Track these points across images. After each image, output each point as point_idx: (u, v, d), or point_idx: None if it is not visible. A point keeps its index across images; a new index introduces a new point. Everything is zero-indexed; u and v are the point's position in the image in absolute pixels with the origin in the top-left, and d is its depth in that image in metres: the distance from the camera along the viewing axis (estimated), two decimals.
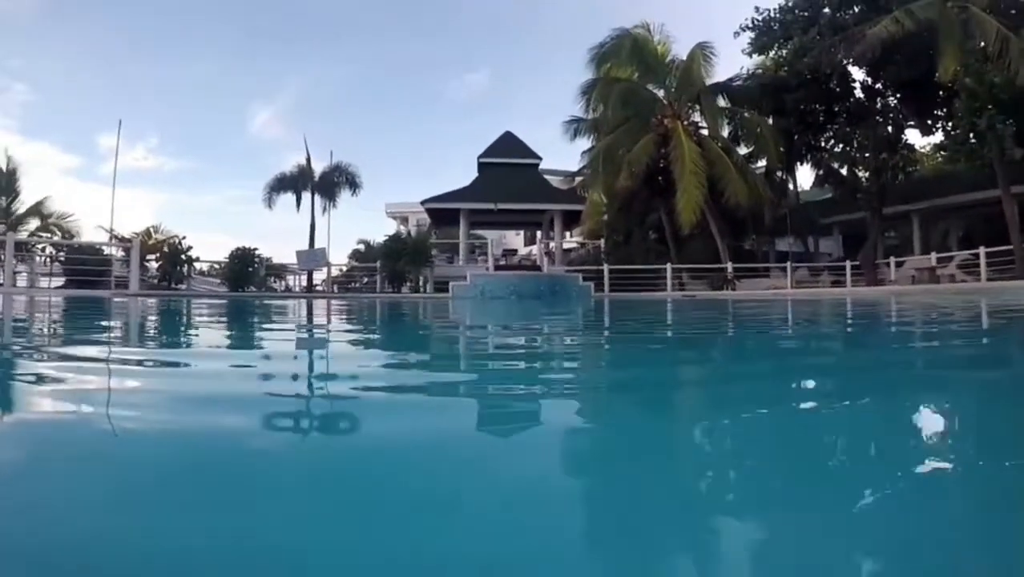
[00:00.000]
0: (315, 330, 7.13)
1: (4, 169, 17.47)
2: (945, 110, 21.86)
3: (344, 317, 10.12)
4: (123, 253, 17.77)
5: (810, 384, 2.92)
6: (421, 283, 20.57)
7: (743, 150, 22.67)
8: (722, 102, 21.88)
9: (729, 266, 21.07)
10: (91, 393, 2.38)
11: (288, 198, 20.93)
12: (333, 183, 20.97)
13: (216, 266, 20.63)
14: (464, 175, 27.83)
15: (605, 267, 20.21)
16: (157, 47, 56.63)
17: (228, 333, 7.04)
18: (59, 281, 17.72)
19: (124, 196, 46.98)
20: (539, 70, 73.37)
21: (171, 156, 71.44)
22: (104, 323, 7.76)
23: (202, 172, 67.73)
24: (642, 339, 6.00)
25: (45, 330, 6.68)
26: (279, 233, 71.82)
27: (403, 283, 20.33)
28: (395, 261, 19.96)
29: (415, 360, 4.25)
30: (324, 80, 63.42)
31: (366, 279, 22.11)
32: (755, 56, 23.90)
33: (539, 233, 29.02)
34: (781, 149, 22.24)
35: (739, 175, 20.21)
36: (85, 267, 16.52)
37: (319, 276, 20.86)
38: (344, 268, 22.70)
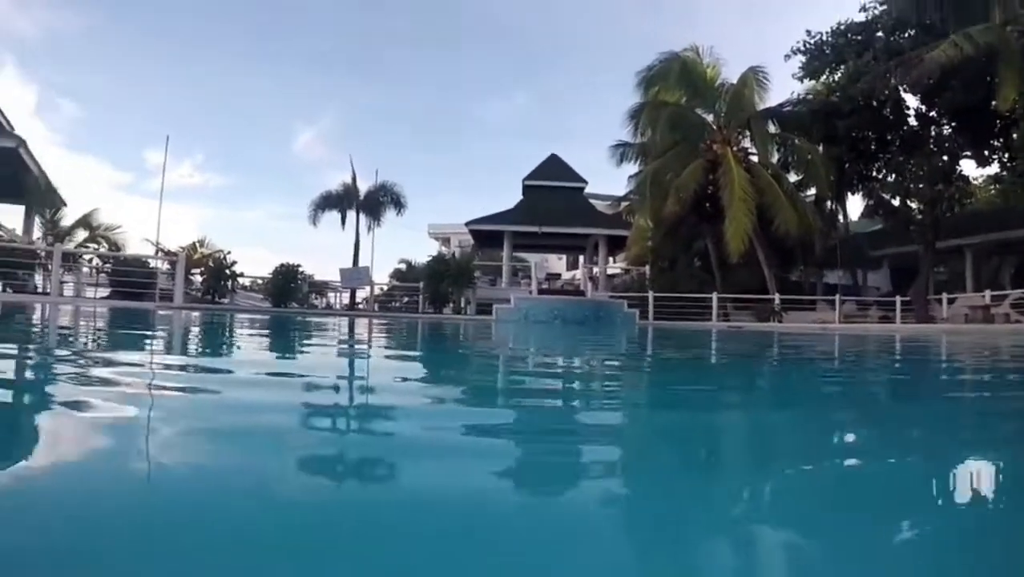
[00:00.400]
0: (372, 352, 6.90)
1: (43, 184, 17.61)
2: (1002, 140, 21.17)
3: (395, 337, 9.85)
4: (168, 266, 17.80)
5: (903, 439, 2.52)
6: (463, 305, 20.26)
7: (793, 178, 22.07)
8: (772, 128, 21.38)
9: (776, 297, 20.40)
10: (140, 398, 2.50)
11: (332, 216, 20.99)
12: (378, 202, 20.94)
13: (259, 281, 20.60)
14: (508, 197, 27.77)
15: (650, 294, 19.67)
16: (204, 66, 58.17)
17: (277, 348, 6.92)
18: (104, 292, 17.79)
19: (170, 211, 47.86)
20: (586, 93, 73.78)
21: (216, 172, 72.98)
22: (152, 334, 7.67)
23: (246, 189, 70.17)
24: (707, 377, 5.55)
25: (91, 340, 6.66)
26: (320, 250, 72.98)
27: (445, 304, 20.06)
28: (438, 282, 19.74)
29: (476, 388, 4.02)
30: (367, 101, 64.84)
31: (406, 299, 21.91)
32: (806, 81, 23.48)
33: (582, 258, 28.69)
34: (832, 178, 21.63)
35: (789, 203, 19.65)
36: (131, 279, 16.56)
37: (361, 294, 20.70)
38: (385, 287, 22.48)
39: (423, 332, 11.63)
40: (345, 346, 7.53)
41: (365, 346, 7.58)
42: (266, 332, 9.35)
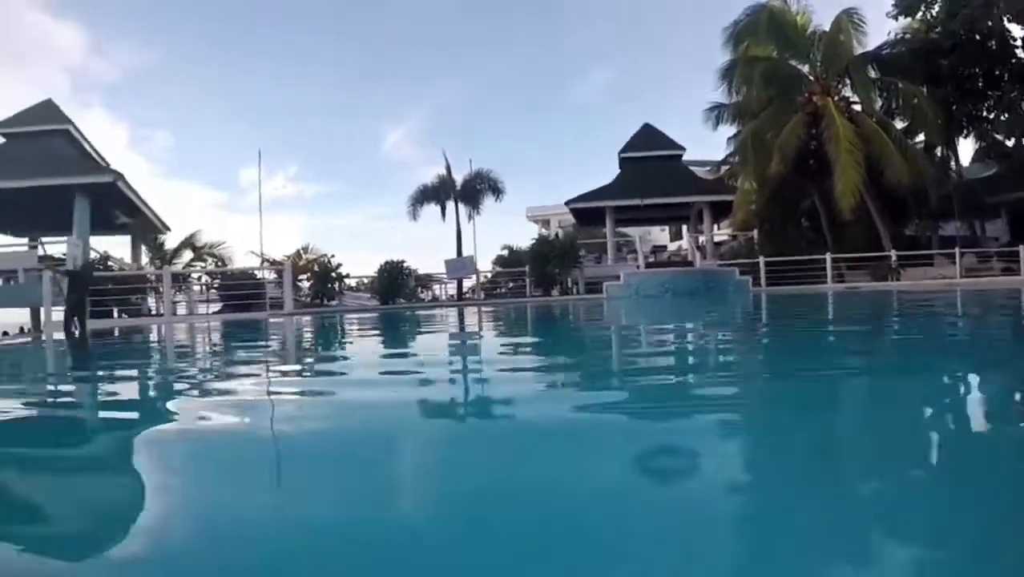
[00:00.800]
0: (500, 340, 6.82)
1: (144, 213, 18.09)
2: None
3: (515, 324, 9.45)
4: (275, 275, 17.95)
5: None
6: (570, 285, 19.70)
7: (899, 124, 20.57)
8: (872, 73, 20.01)
9: (892, 254, 18.99)
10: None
11: (431, 209, 20.81)
12: (475, 190, 20.68)
13: (364, 281, 20.64)
14: (605, 173, 26.95)
15: (761, 260, 18.60)
16: (287, 81, 60.63)
17: (408, 344, 6.75)
18: (216, 306, 18.08)
19: (269, 222, 49.60)
20: (671, 58, 70.93)
21: (311, 182, 75.65)
22: (277, 340, 7.71)
23: (341, 194, 72.62)
24: (854, 349, 4.92)
25: (236, 352, 6.85)
26: (420, 245, 74.41)
27: (552, 286, 19.59)
28: (544, 264, 19.28)
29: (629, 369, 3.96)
30: (452, 93, 64.38)
31: (511, 284, 21.54)
32: (901, 18, 22.01)
33: (685, 227, 27.64)
34: (939, 121, 20.06)
35: (898, 152, 18.24)
36: (240, 291, 16.74)
37: (466, 284, 20.46)
38: (488, 274, 22.19)
39: (541, 315, 11.17)
40: (474, 338, 7.31)
41: (493, 335, 7.57)
42: (387, 329, 9.14)
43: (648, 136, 25.05)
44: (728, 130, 22.78)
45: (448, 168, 21.09)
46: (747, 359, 4.25)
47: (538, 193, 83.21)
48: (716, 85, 21.22)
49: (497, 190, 21.20)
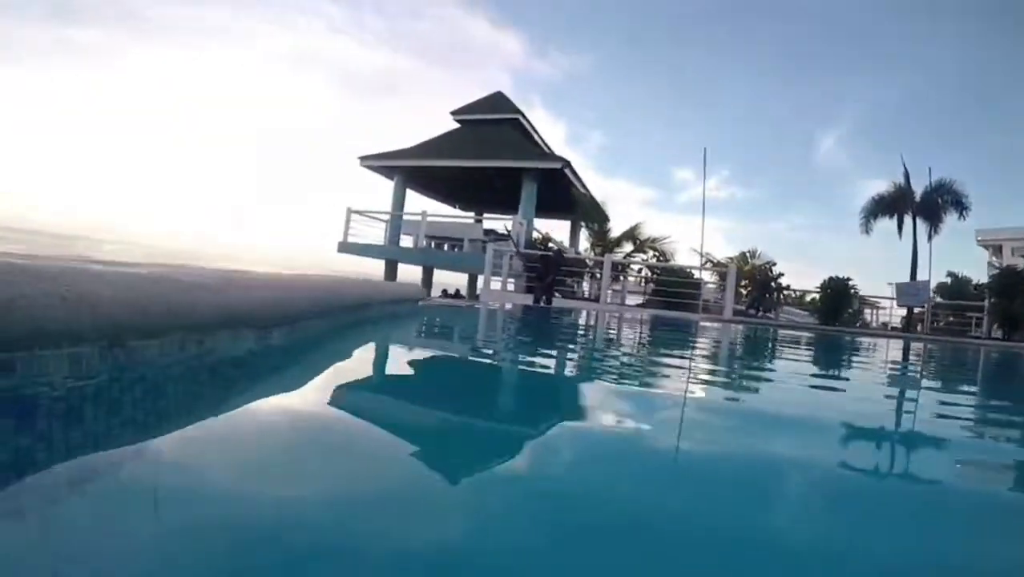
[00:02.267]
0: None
1: (588, 200, 18.46)
2: None
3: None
4: (718, 277, 17.17)
5: None
6: None
7: None
8: None
9: None
10: None
11: (884, 224, 18.03)
12: (936, 205, 17.37)
13: (793, 294, 18.95)
14: None
15: None
16: (717, 82, 62.31)
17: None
18: (637, 299, 17.88)
19: (695, 223, 51.21)
20: None
21: (741, 186, 76.96)
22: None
23: (766, 200, 73.54)
24: None
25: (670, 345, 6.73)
26: (844, 263, 70.41)
27: (1016, 328, 15.71)
28: (1010, 300, 15.57)
29: None
30: (885, 96, 58.11)
31: (951, 318, 18.03)
32: None
33: None
34: None
35: None
36: (675, 289, 16.12)
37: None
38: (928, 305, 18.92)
39: None
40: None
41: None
42: (844, 357, 7.06)
43: None
44: None
45: (906, 175, 17.96)
46: None
47: (987, 214, 69.79)
48: None
49: (961, 205, 17.54)
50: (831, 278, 16.37)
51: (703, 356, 5.54)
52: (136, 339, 1.71)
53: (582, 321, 10.13)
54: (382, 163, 21.08)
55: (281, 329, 2.69)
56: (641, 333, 8.53)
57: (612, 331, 8.26)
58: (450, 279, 23.00)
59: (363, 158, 21.13)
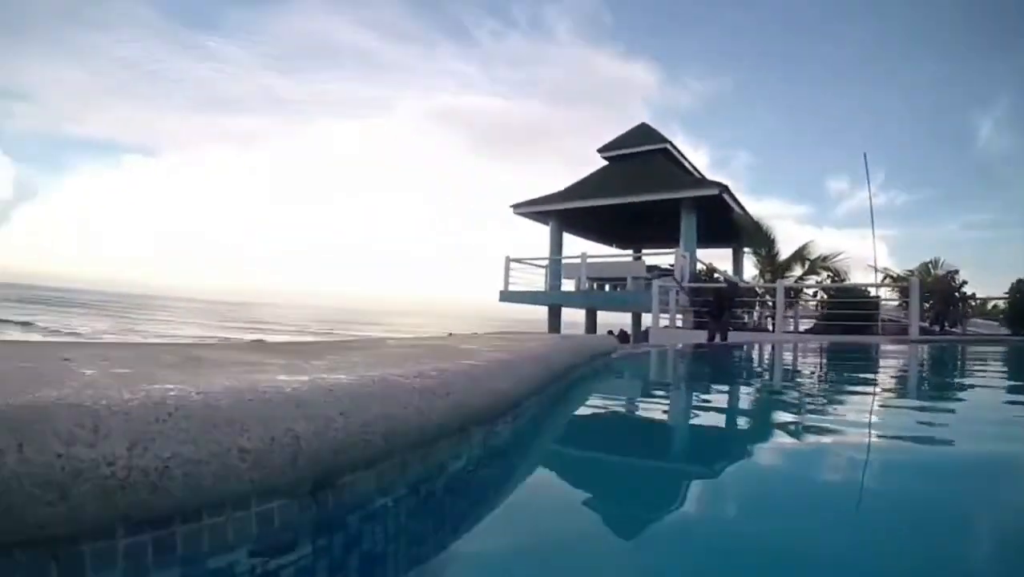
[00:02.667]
0: None
1: (751, 223, 18.49)
2: None
3: None
4: (897, 294, 16.81)
5: None
6: None
7: None
8: None
9: None
10: None
11: None
12: None
13: (973, 303, 18.10)
14: None
15: None
16: (861, 87, 59.25)
17: None
18: (808, 324, 17.66)
19: (854, 237, 48.00)
20: None
21: (901, 189, 73.36)
22: None
23: (932, 200, 66.71)
24: None
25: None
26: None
27: None
28: None
29: None
30: None
31: None
32: None
33: None
34: None
35: None
36: (851, 310, 15.81)
37: None
38: None
39: None
40: None
41: None
42: None
43: None
44: None
45: None
46: None
47: None
48: None
49: None
50: (1020, 280, 15.50)
51: (940, 388, 5.36)
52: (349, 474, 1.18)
53: (778, 357, 9.54)
54: (534, 209, 21.92)
55: (506, 419, 2.00)
56: (845, 365, 8.12)
57: (811, 366, 7.96)
58: (611, 319, 23.50)
59: (515, 206, 22.05)
